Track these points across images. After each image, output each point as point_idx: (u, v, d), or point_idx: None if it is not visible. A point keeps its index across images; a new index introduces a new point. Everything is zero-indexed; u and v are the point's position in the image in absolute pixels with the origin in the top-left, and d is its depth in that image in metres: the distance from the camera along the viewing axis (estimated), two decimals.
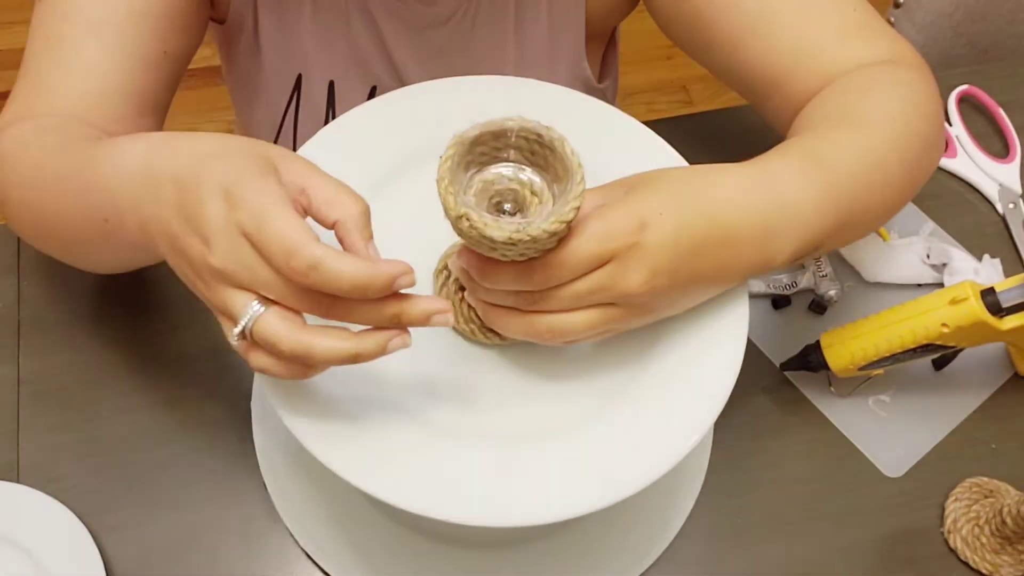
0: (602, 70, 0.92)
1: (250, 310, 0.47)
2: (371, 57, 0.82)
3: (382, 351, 0.48)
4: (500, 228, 0.48)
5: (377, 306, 0.47)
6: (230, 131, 0.90)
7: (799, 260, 0.59)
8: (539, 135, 0.50)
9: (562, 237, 0.50)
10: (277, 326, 0.47)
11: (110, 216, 0.55)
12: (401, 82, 0.83)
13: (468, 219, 0.48)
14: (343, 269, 0.45)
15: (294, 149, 0.86)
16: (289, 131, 0.87)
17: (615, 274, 0.51)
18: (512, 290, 0.53)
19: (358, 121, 0.63)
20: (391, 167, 0.62)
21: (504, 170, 0.52)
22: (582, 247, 0.51)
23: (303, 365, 0.49)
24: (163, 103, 0.73)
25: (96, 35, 0.67)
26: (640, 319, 0.55)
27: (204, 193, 0.47)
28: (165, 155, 0.51)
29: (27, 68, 0.68)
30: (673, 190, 0.54)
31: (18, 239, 0.80)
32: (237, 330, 0.47)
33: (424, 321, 0.48)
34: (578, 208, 0.49)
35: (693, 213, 0.53)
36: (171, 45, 0.71)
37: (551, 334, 0.53)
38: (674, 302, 0.55)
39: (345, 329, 0.48)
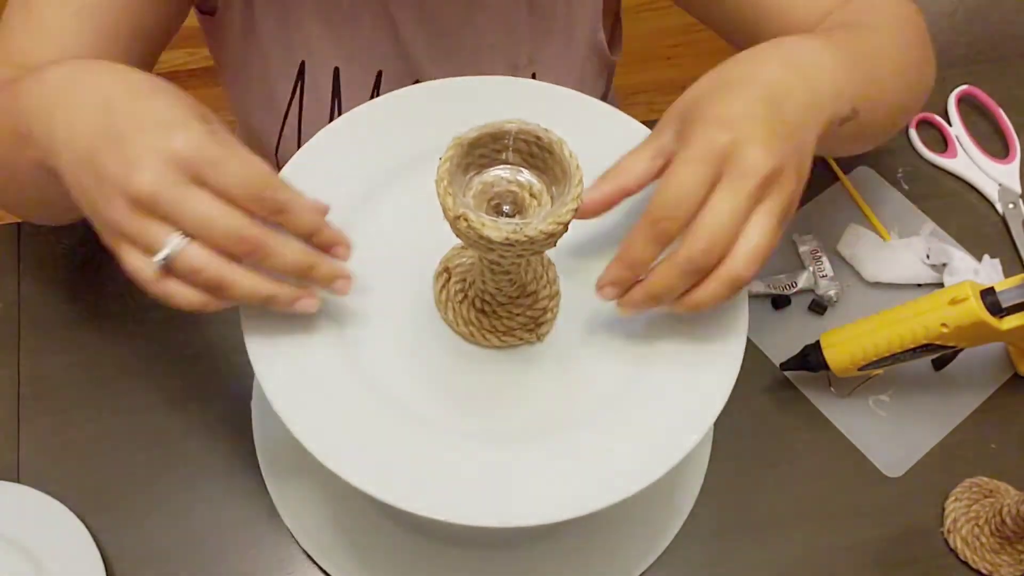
0: (611, 44, 0.92)
1: (174, 240, 0.48)
2: (378, 39, 0.81)
3: (291, 303, 0.52)
4: (497, 229, 0.48)
5: (299, 252, 0.51)
6: (231, 131, 0.89)
7: (843, 115, 0.59)
8: (538, 137, 0.50)
9: (559, 238, 0.50)
10: (206, 257, 0.49)
11: (20, 127, 0.55)
12: (408, 64, 0.82)
13: (466, 219, 0.48)
14: (305, 200, 0.51)
15: (299, 141, 0.85)
16: (294, 122, 0.86)
17: (738, 169, 0.51)
18: (683, 269, 0.52)
19: (356, 123, 0.63)
20: (390, 170, 0.62)
21: (503, 172, 0.52)
22: (688, 172, 0.51)
23: (214, 297, 0.51)
24: None
25: (65, 9, 0.66)
26: (792, 188, 0.54)
27: (144, 118, 0.49)
28: (92, 73, 0.53)
29: (4, 19, 0.67)
30: (720, 88, 0.55)
31: (18, 239, 0.80)
32: (161, 256, 0.48)
33: (331, 279, 0.52)
34: (575, 210, 0.49)
35: (744, 87, 0.55)
36: (144, 22, 0.70)
37: (753, 259, 0.52)
38: (797, 159, 0.54)
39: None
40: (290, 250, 0.51)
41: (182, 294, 0.50)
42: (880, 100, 0.65)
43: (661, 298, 0.53)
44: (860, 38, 0.65)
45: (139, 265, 0.50)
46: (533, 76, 0.84)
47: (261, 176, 0.50)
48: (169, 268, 0.49)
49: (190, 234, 0.49)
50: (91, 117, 0.51)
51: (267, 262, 0.50)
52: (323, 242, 0.52)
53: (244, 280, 0.50)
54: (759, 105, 0.54)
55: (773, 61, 0.57)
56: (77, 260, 0.79)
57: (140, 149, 0.48)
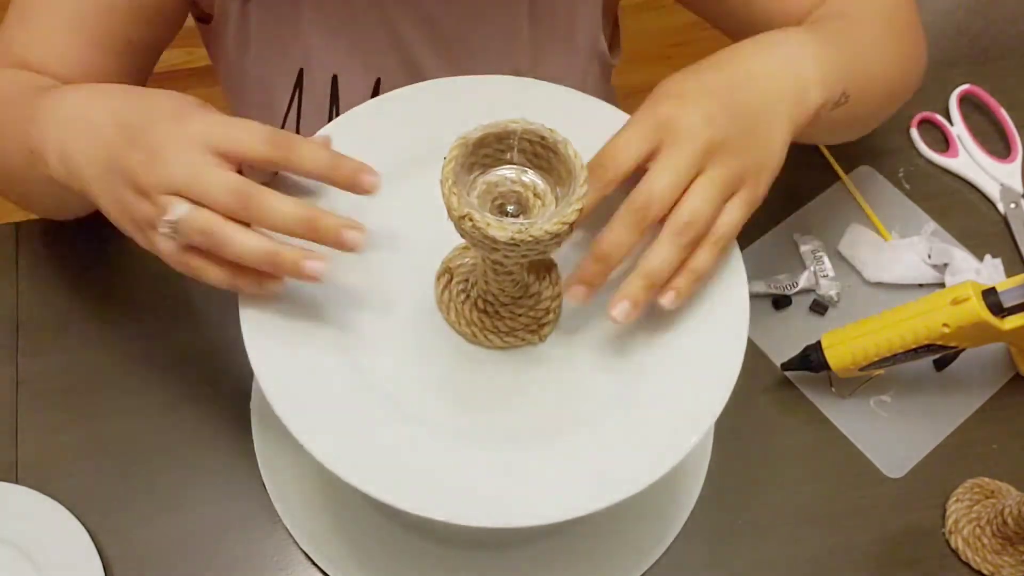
0: (610, 48, 0.91)
1: (183, 206, 0.50)
2: (378, 47, 0.81)
3: (298, 263, 0.51)
4: (503, 228, 0.48)
5: (298, 205, 0.51)
6: None
7: (833, 99, 0.62)
8: (543, 137, 0.50)
9: (564, 238, 0.50)
10: (209, 216, 0.50)
11: (35, 147, 0.59)
12: (410, 70, 0.82)
13: (471, 219, 0.48)
14: (312, 141, 0.54)
15: None
16: (292, 128, 0.86)
17: (677, 134, 0.54)
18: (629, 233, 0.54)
19: (359, 121, 0.63)
20: (393, 168, 0.61)
21: (507, 172, 0.52)
22: (628, 130, 0.55)
23: (229, 267, 0.52)
24: None
25: (60, 16, 0.69)
26: (740, 164, 0.56)
27: (155, 116, 0.53)
28: (100, 98, 0.57)
29: (5, 22, 0.70)
30: (684, 72, 0.59)
31: (16, 239, 0.80)
32: (172, 216, 0.50)
33: (337, 230, 0.51)
34: (580, 210, 0.49)
35: (709, 70, 0.59)
36: (137, 35, 0.72)
37: (688, 225, 0.54)
38: (749, 139, 0.57)
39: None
40: (289, 204, 0.51)
41: (205, 268, 0.52)
42: (870, 84, 0.67)
43: (610, 258, 0.54)
44: (845, 26, 0.66)
45: (164, 246, 0.52)
46: None
47: (264, 126, 0.52)
48: (176, 234, 0.51)
49: (196, 201, 0.51)
50: (106, 131, 0.54)
51: (266, 215, 0.51)
52: (345, 174, 0.53)
53: (247, 237, 0.51)
54: (715, 83, 0.57)
55: (753, 49, 0.61)
56: (75, 260, 0.79)
57: (159, 140, 0.51)
